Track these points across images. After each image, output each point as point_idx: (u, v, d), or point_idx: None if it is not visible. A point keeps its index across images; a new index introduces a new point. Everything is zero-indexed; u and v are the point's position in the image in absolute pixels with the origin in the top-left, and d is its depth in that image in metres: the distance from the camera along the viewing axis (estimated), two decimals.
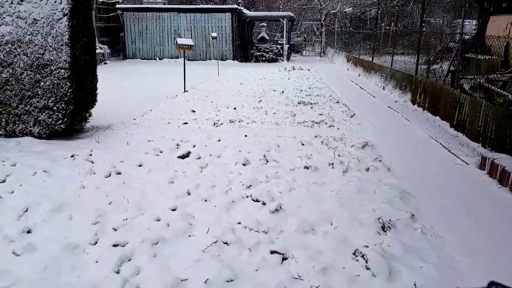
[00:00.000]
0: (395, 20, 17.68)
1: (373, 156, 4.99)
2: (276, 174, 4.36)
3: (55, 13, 5.03)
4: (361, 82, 12.44)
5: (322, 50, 27.38)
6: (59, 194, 3.66)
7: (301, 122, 6.90)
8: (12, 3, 5.05)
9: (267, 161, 4.76)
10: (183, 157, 4.86)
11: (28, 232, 3.06)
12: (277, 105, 8.45)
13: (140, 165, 4.47)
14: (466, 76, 7.46)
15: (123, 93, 9.71)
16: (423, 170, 4.75)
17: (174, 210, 3.53)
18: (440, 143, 5.77)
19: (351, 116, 7.42)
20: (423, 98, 7.96)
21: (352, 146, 5.39)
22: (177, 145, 5.28)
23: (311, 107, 8.27)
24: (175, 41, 10.67)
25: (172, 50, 20.12)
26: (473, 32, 12.81)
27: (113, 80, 11.81)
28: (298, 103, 8.73)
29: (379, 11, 17.50)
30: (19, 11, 5.05)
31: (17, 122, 5.20)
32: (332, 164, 4.67)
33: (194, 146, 5.25)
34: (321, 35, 27.68)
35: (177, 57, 19.68)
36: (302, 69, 16.52)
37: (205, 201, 3.71)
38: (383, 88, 10.80)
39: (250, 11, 26.89)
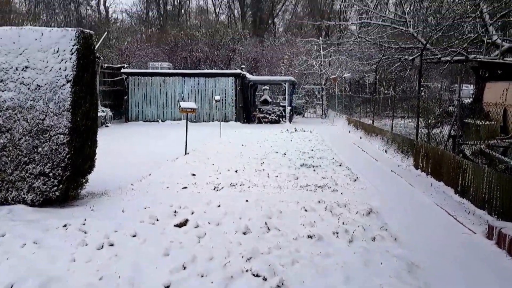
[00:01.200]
0: (394, 85, 18.27)
1: (378, 225, 4.78)
2: (278, 244, 4.13)
3: (58, 80, 5.10)
4: (363, 145, 12.47)
5: (323, 112, 28.00)
6: (48, 268, 3.43)
7: (304, 186, 6.75)
8: (16, 69, 5.15)
9: (269, 229, 4.55)
10: (180, 225, 4.65)
11: None
12: (279, 167, 8.36)
13: (135, 235, 4.25)
14: (467, 142, 7.45)
15: (122, 156, 9.69)
16: (430, 239, 4.54)
17: (168, 287, 3.27)
18: (446, 210, 5.58)
19: (355, 180, 7.28)
20: (426, 163, 7.88)
21: (356, 213, 5.19)
22: (175, 212, 5.09)
23: (314, 170, 8.16)
24: (178, 105, 10.91)
25: (175, 112, 20.54)
26: (471, 95, 13.15)
27: (114, 142, 11.89)
28: (301, 165, 8.64)
29: (377, 77, 18.13)
30: (23, 77, 5.14)
31: (10, 189, 5.06)
32: (337, 232, 4.45)
33: (192, 213, 5.06)
34: (322, 98, 28.49)
35: (179, 119, 20.04)
36: (304, 131, 16.71)
37: (202, 276, 3.45)
38: (385, 151, 10.77)
39: (253, 75, 28.01)
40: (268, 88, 25.10)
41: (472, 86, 16.92)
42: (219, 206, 5.38)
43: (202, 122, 20.42)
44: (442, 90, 29.78)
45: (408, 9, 15.09)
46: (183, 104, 9.79)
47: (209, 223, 4.70)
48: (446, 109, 13.56)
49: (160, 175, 7.43)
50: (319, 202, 5.65)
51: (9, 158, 5.05)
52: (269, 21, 46.35)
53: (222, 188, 6.57)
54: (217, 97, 14.81)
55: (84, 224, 4.46)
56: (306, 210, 5.27)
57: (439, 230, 4.86)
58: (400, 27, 14.83)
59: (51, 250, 3.79)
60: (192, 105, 9.91)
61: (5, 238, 3.99)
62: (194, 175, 7.49)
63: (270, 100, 23.80)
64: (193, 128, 14.84)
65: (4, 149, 5.05)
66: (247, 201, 5.67)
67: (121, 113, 21.63)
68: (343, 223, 4.76)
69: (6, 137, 5.06)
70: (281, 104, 23.17)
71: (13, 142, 5.04)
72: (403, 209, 5.70)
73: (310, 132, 16.39)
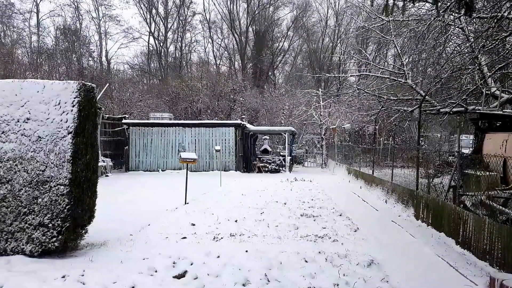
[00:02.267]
0: (393, 135, 18.53)
1: (379, 276, 4.70)
2: None
3: (60, 131, 5.19)
4: (363, 195, 12.45)
5: (323, 162, 28.16)
6: None
7: (304, 236, 6.69)
8: (18, 121, 5.25)
9: (269, 281, 4.49)
10: (179, 277, 4.59)
11: None
12: (279, 217, 8.32)
13: (133, 287, 4.19)
14: (467, 193, 7.47)
15: (122, 206, 9.66)
16: None
17: None
18: (447, 262, 5.50)
19: (355, 231, 7.22)
20: (426, 214, 7.85)
21: (357, 264, 5.12)
22: (174, 263, 5.03)
23: (314, 220, 8.12)
24: (179, 155, 11.08)
25: (176, 162, 20.71)
26: (471, 145, 13.26)
27: (114, 192, 11.88)
28: (301, 215, 8.60)
29: (376, 127, 18.47)
30: (24, 129, 5.22)
31: (9, 240, 5.03)
32: (337, 284, 4.39)
33: (191, 264, 5.00)
34: (322, 147, 28.81)
35: (180, 168, 20.15)
36: (304, 180, 16.73)
37: None
38: (386, 201, 10.75)
39: (254, 125, 28.56)
40: (268, 137, 25.50)
41: (471, 136, 17.14)
42: (218, 256, 5.32)
43: (202, 172, 20.50)
44: (441, 140, 30.13)
45: (406, 61, 15.64)
46: (184, 155, 9.95)
47: (208, 274, 4.64)
48: (446, 159, 13.68)
49: (159, 225, 7.39)
50: (319, 252, 5.60)
51: (9, 209, 5.06)
52: (269, 73, 48.05)
53: (221, 238, 6.51)
54: (217, 147, 15.05)
55: (83, 275, 4.41)
56: (306, 261, 5.21)
57: (440, 282, 4.78)
58: (399, 79, 15.26)
59: None
60: (193, 155, 10.07)
61: None
62: (193, 225, 7.44)
63: (270, 149, 24.07)
64: (193, 178, 14.89)
65: (4, 200, 5.08)
66: (247, 251, 5.62)
67: (122, 163, 21.80)
68: (344, 275, 4.70)
69: (6, 188, 5.10)
70: (281, 153, 23.41)
71: (13, 193, 5.08)
72: (405, 260, 5.61)
73: (310, 181, 16.41)
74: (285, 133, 22.95)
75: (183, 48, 48.54)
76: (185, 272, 4.70)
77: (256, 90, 36.77)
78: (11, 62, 27.30)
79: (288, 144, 22.80)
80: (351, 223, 7.85)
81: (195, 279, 4.52)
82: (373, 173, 14.13)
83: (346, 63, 37.56)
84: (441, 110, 13.24)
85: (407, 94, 15.94)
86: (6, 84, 5.42)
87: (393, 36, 15.06)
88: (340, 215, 8.76)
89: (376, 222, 8.36)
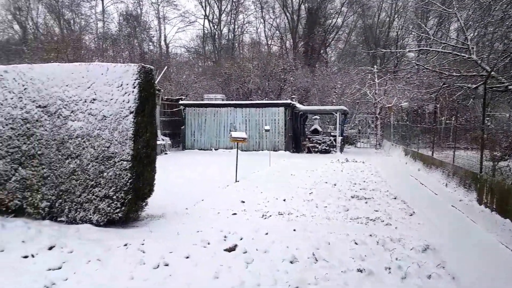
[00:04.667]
0: (456, 114, 17.27)
1: (435, 262, 4.53)
2: (325, 275, 4.08)
3: (122, 111, 5.52)
4: (421, 177, 11.90)
5: (377, 143, 27.23)
6: (109, 285, 3.70)
7: (355, 218, 6.60)
8: (85, 101, 5.65)
9: (316, 260, 4.51)
10: (229, 250, 4.78)
11: None
12: (328, 198, 8.25)
13: (188, 257, 4.46)
14: None
15: (179, 182, 10.14)
16: (494, 281, 4.17)
17: None
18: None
19: (411, 215, 6.98)
20: (491, 198, 7.33)
21: (411, 249, 4.96)
22: (225, 237, 5.23)
23: (366, 202, 7.95)
24: (229, 134, 11.30)
25: (227, 141, 21.18)
26: None
27: (171, 169, 12.47)
28: (352, 197, 8.46)
29: (437, 106, 17.35)
30: (90, 108, 5.61)
31: (78, 209, 5.53)
32: (389, 268, 4.30)
33: (241, 239, 5.17)
34: (376, 127, 27.80)
35: (231, 148, 20.60)
36: (356, 162, 16.35)
37: None
38: (446, 185, 10.18)
39: (304, 104, 28.17)
40: (318, 117, 25.07)
41: None
42: (267, 233, 5.44)
43: (252, 151, 20.78)
44: (510, 120, 27.67)
45: (471, 35, 14.40)
46: (234, 134, 10.13)
47: (257, 249, 4.77)
48: None
49: (212, 201, 7.68)
50: (370, 235, 5.49)
51: (78, 182, 5.54)
52: (321, 51, 46.79)
53: (270, 216, 6.63)
54: (267, 127, 15.11)
55: (143, 244, 4.75)
56: (356, 243, 5.15)
57: (504, 272, 4.47)
58: (462, 54, 14.21)
59: (112, 267, 4.09)
60: (243, 134, 10.23)
61: (72, 255, 4.38)
62: (243, 202, 7.64)
63: (320, 129, 23.68)
64: (244, 157, 15.15)
65: (74, 173, 5.56)
66: (294, 230, 5.68)
67: (179, 142, 22.91)
68: (396, 259, 4.58)
69: (76, 162, 5.57)
70: (332, 134, 22.94)
71: (81, 167, 5.54)
72: (464, 246, 5.33)
73: (363, 162, 16.00)
74: (336, 113, 22.42)
75: (235, 29, 48.75)
76: (235, 246, 4.88)
77: (307, 69, 36.03)
78: (79, 47, 29.19)
79: (339, 124, 22.28)
80: (407, 207, 7.59)
81: (244, 253, 4.67)
82: (432, 155, 13.42)
83: (404, 39, 35.36)
84: (510, 87, 12.10)
85: (471, 70, 14.74)
86: (74, 67, 5.83)
87: (455, 8, 13.92)
88: (395, 198, 8.49)
89: (434, 206, 8.00)
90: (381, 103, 27.04)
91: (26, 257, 4.30)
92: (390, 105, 25.35)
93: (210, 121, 21.99)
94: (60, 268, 4.06)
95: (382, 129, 27.86)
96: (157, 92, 5.62)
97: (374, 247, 5.02)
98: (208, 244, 4.94)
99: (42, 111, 5.76)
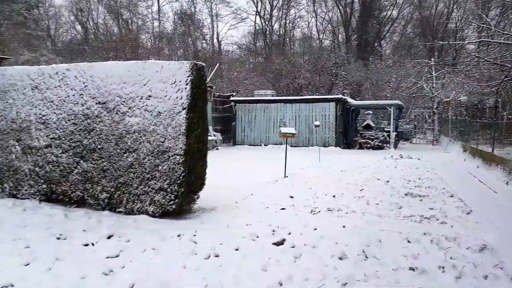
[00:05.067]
0: None
1: (493, 262, 4.28)
2: (376, 272, 4.02)
3: (175, 107, 5.74)
4: (480, 175, 11.17)
5: (434, 138, 25.84)
6: (163, 273, 3.92)
7: (408, 216, 6.38)
8: (141, 98, 5.92)
9: (367, 257, 4.44)
10: (277, 244, 4.85)
11: None
12: (380, 195, 8.03)
13: (237, 249, 4.59)
14: None
15: (229, 176, 10.40)
16: None
17: None
18: None
19: (468, 213, 6.60)
20: None
21: (467, 248, 4.72)
22: (273, 231, 5.31)
23: (421, 200, 7.63)
24: (278, 130, 11.35)
25: (277, 137, 21.25)
26: None
27: (222, 164, 12.80)
28: (405, 194, 8.15)
29: (499, 100, 16.11)
30: (146, 105, 5.88)
31: (136, 201, 5.89)
32: (443, 267, 4.14)
33: (289, 234, 5.22)
34: (433, 123, 26.38)
35: (281, 143, 20.65)
36: (411, 158, 15.67)
37: None
38: (507, 183, 9.48)
39: (356, 99, 27.44)
40: (371, 112, 24.30)
41: None
42: (315, 229, 5.44)
43: (302, 147, 20.68)
44: None
45: None
46: (283, 129, 10.15)
47: (305, 244, 4.80)
48: None
49: (261, 195, 7.80)
50: (424, 234, 5.30)
51: (135, 174, 5.89)
52: (375, 44, 45.24)
53: (319, 212, 6.61)
54: (317, 122, 14.94)
55: (195, 236, 4.97)
56: (409, 241, 5.00)
57: None
58: None
59: (166, 256, 4.33)
60: (292, 130, 10.22)
61: (130, 244, 4.69)
62: (292, 197, 7.67)
63: (373, 125, 22.95)
64: (293, 152, 15.14)
65: (132, 166, 5.90)
66: (344, 226, 5.62)
67: (230, 137, 23.48)
68: (451, 258, 4.40)
69: (133, 156, 5.90)
70: (386, 129, 22.13)
71: (138, 161, 5.87)
72: None
73: (418, 159, 15.29)
74: (390, 107, 21.60)
75: (287, 25, 48.55)
76: (284, 240, 4.94)
77: (360, 62, 35.01)
78: (137, 46, 30.83)
79: (393, 119, 21.44)
80: (464, 205, 7.18)
81: (292, 247, 4.72)
82: (493, 151, 12.53)
83: (464, 30, 33.07)
84: None
85: None
86: (131, 65, 6.13)
87: None
88: (451, 196, 8.07)
89: (493, 205, 7.50)
90: (438, 97, 25.60)
91: (86, 245, 4.63)
92: (448, 99, 23.93)
93: (260, 117, 22.21)
94: (117, 256, 4.31)
95: (439, 125, 26.38)
96: (208, 88, 5.82)
97: (427, 245, 4.85)
98: (257, 237, 5.05)
99: (101, 107, 6.12)
